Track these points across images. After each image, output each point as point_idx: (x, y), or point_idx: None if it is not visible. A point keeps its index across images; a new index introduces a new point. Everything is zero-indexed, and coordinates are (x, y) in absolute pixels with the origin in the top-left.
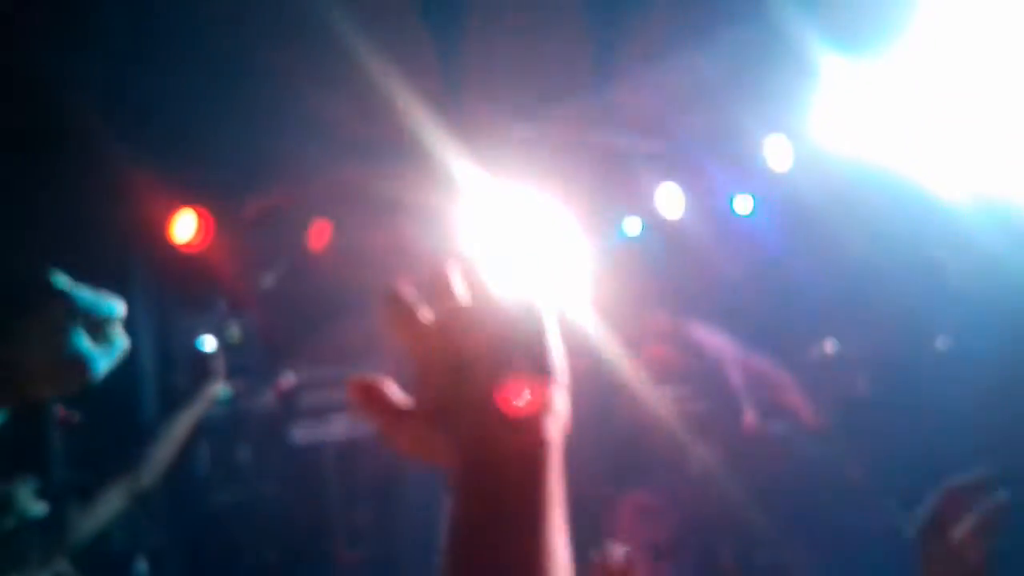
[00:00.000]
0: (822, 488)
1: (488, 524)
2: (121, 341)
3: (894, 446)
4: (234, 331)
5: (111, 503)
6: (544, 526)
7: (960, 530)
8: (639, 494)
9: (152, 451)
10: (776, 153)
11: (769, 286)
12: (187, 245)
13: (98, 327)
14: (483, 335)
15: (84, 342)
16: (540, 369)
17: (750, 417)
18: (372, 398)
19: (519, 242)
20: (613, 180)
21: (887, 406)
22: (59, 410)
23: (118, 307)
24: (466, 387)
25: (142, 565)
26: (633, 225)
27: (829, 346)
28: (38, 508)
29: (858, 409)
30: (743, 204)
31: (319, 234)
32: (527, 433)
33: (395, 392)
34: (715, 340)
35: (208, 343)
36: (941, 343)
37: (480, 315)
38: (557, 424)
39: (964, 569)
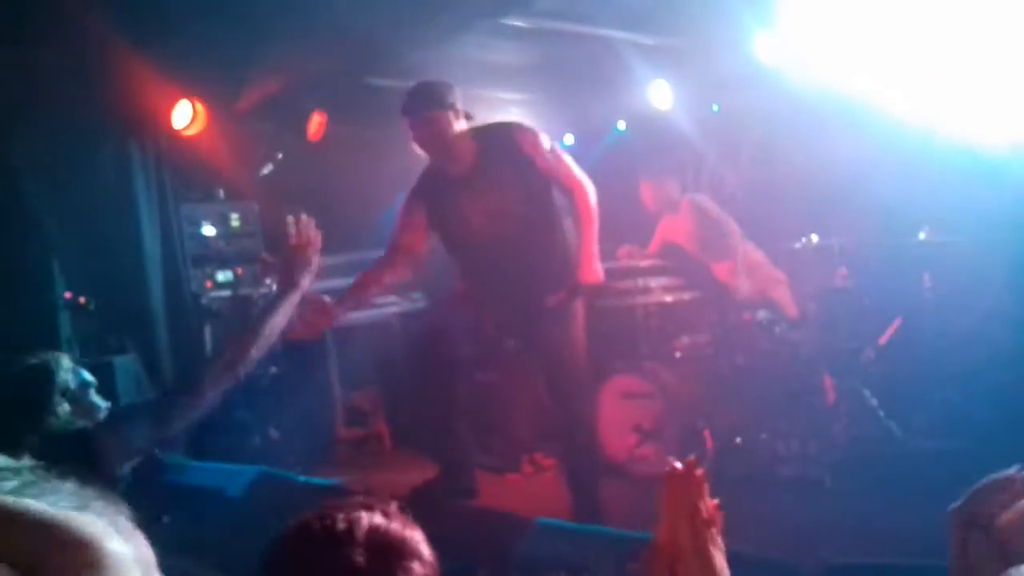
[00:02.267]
0: (796, 368)
1: None
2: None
3: (867, 332)
4: (234, 218)
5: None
6: None
7: (1006, 519)
8: (624, 379)
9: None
10: (766, 48)
11: (757, 179)
12: (184, 132)
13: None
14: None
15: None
16: None
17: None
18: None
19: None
20: (605, 73)
21: (864, 296)
22: (66, 294)
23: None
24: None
25: None
26: (624, 121)
27: (815, 238)
28: (79, 374)
29: (837, 298)
30: (731, 99)
31: (317, 124)
32: None
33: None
34: (724, 216)
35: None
36: (925, 234)
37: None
38: None
39: (1003, 558)
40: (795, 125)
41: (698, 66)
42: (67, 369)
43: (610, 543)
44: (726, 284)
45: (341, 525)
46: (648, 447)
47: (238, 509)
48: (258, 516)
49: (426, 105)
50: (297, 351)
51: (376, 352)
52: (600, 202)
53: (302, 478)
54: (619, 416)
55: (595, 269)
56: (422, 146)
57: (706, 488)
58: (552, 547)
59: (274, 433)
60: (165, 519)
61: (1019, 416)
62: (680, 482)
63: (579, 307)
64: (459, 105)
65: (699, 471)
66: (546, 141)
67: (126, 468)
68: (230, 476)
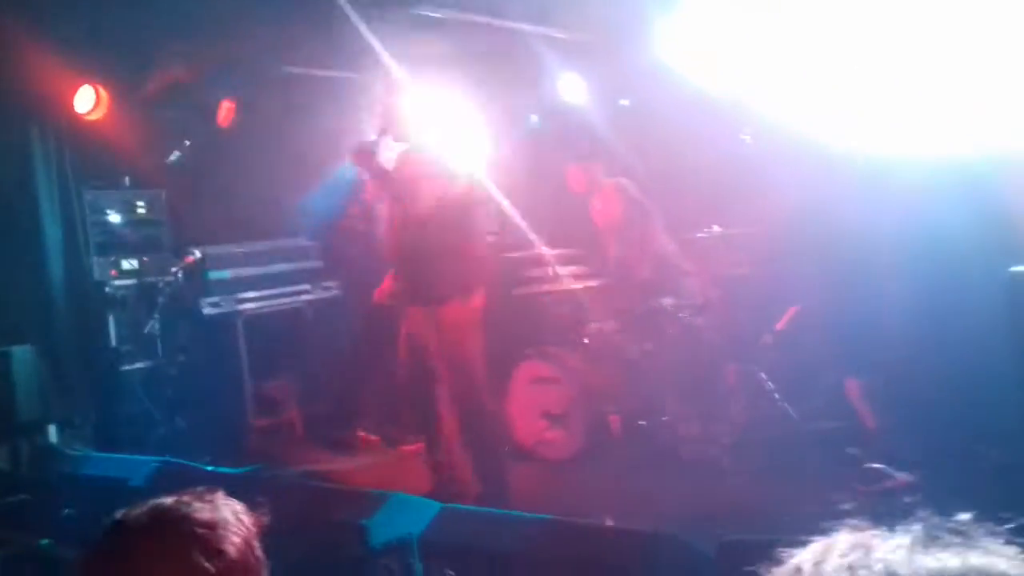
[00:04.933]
0: (699, 353)
1: None
2: None
3: (763, 316)
4: (140, 206)
5: None
6: None
7: None
8: (533, 365)
9: None
10: (670, 44)
11: (664, 172)
12: (87, 117)
13: None
14: None
15: None
16: None
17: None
18: None
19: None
20: (517, 65)
21: (762, 281)
22: None
23: None
24: None
25: (52, 433)
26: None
27: (717, 229)
28: None
29: (738, 285)
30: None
31: (227, 111)
32: None
33: None
34: (644, 199)
35: None
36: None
37: None
38: None
39: None
40: (699, 120)
41: (608, 61)
42: None
43: (518, 525)
44: (631, 268)
45: (117, 518)
46: (556, 431)
47: (141, 500)
48: None
49: None
50: (205, 341)
51: (289, 340)
52: (511, 192)
53: (209, 467)
54: (528, 401)
55: None
56: None
57: None
58: (462, 531)
59: (180, 423)
60: (67, 511)
61: (910, 396)
62: None
63: (476, 304)
64: None
65: None
66: None
67: None
68: (133, 467)
